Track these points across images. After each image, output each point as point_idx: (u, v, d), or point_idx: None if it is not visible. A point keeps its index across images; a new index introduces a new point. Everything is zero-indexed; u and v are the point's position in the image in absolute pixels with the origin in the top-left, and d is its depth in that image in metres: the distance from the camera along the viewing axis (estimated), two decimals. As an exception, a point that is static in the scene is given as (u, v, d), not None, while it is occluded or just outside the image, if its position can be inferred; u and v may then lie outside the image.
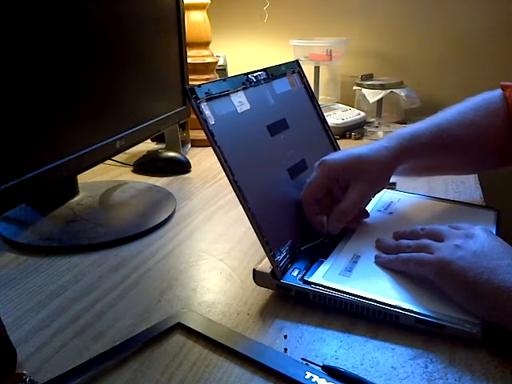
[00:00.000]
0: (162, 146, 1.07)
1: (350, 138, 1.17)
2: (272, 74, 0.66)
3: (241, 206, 0.51)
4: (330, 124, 0.76)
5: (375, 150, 0.62)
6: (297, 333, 0.47)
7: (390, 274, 0.52)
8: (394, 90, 1.25)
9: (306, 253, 0.56)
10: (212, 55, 1.17)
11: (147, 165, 0.97)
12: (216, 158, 0.51)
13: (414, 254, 0.51)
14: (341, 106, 1.30)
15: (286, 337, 0.46)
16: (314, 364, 0.42)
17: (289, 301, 0.52)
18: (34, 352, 0.45)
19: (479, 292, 0.45)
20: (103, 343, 0.46)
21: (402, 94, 1.25)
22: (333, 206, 0.60)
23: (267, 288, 0.53)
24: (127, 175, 0.96)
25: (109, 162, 0.98)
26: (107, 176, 0.95)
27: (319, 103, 0.76)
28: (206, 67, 1.15)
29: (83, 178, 0.84)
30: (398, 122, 1.29)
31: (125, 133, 0.73)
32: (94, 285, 0.57)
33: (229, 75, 1.27)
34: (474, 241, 0.49)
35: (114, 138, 0.70)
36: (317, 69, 1.29)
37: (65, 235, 0.68)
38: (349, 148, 0.63)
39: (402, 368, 0.42)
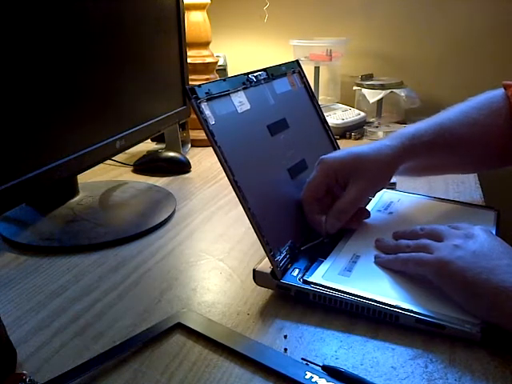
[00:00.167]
0: (162, 146, 1.07)
1: (350, 138, 1.17)
2: (272, 73, 0.66)
3: (241, 205, 0.51)
4: (330, 124, 0.76)
5: (376, 148, 0.61)
6: (297, 333, 0.47)
7: (389, 273, 0.52)
8: (394, 90, 1.25)
9: (305, 253, 0.56)
10: (212, 55, 1.17)
11: (147, 165, 0.97)
12: (216, 158, 0.51)
13: (413, 253, 0.51)
14: (341, 106, 1.30)
15: (285, 337, 0.46)
16: (314, 364, 0.42)
17: (289, 301, 0.52)
18: (34, 352, 0.45)
19: (478, 292, 0.45)
20: (103, 343, 0.46)
21: (402, 94, 1.25)
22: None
23: (267, 288, 0.53)
24: (127, 175, 0.96)
25: (109, 161, 0.98)
26: (107, 176, 0.95)
27: (319, 103, 0.76)
28: (205, 67, 1.15)
29: (83, 178, 0.84)
30: (398, 122, 1.28)
31: (125, 133, 0.73)
32: (94, 285, 0.57)
33: (229, 75, 1.27)
34: (473, 241, 0.49)
35: (114, 138, 0.70)
36: (317, 69, 1.29)
37: (65, 235, 0.68)
38: (349, 147, 0.63)
39: (402, 368, 0.42)
